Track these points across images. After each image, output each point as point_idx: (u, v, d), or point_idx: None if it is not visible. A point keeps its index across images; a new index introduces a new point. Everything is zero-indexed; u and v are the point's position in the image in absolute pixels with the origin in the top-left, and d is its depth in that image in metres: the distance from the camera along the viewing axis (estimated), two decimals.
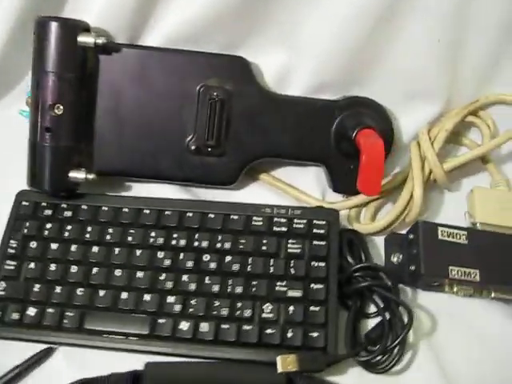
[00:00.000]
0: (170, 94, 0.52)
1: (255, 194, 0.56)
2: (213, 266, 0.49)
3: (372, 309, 0.50)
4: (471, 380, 0.48)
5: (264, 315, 0.47)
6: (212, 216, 0.51)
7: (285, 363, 0.45)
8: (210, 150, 0.53)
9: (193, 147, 0.52)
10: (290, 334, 0.46)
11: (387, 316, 0.48)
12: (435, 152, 0.53)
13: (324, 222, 0.51)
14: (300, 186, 0.56)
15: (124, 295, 0.48)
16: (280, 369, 0.45)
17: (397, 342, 0.47)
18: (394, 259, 0.52)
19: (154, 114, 0.53)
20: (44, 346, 0.48)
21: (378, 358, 0.47)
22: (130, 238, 0.50)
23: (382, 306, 0.49)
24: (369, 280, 0.49)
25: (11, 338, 0.48)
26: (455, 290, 0.50)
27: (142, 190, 0.56)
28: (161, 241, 0.50)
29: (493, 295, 0.51)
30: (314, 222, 0.51)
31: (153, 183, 0.55)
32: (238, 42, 0.54)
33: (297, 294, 0.48)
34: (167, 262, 0.49)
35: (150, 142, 0.53)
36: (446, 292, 0.50)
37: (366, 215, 0.54)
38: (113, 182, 0.56)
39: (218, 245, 0.50)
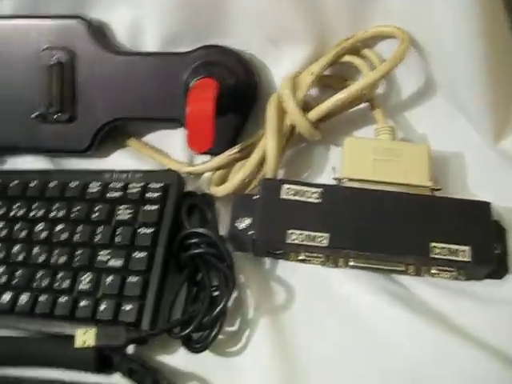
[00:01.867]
0: (15, 61, 0.50)
1: (122, 161, 0.52)
2: (43, 235, 0.46)
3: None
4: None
5: (81, 287, 0.44)
6: (52, 185, 0.48)
7: (82, 338, 0.41)
8: (56, 116, 0.50)
9: (36, 115, 0.50)
10: (102, 307, 0.43)
11: (213, 288, 0.43)
12: (296, 99, 0.45)
13: (160, 186, 0.46)
14: (169, 149, 0.52)
15: None
16: (76, 343, 0.41)
17: (212, 317, 0.41)
18: (241, 224, 0.45)
19: (1, 85, 0.51)
20: None
21: (198, 334, 0.42)
22: None
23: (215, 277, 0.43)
24: (202, 247, 0.44)
25: None
26: (302, 257, 0.43)
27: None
28: (1, 212, 0.49)
29: (352, 263, 0.43)
30: (150, 185, 0.46)
31: (19, 156, 0.54)
32: (85, 3, 0.50)
33: (117, 263, 0.44)
34: (2, 234, 0.47)
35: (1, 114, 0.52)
36: (293, 260, 0.43)
37: (231, 178, 0.48)
38: None
39: (53, 214, 0.47)
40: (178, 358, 0.42)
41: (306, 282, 0.44)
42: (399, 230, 0.42)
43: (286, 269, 0.44)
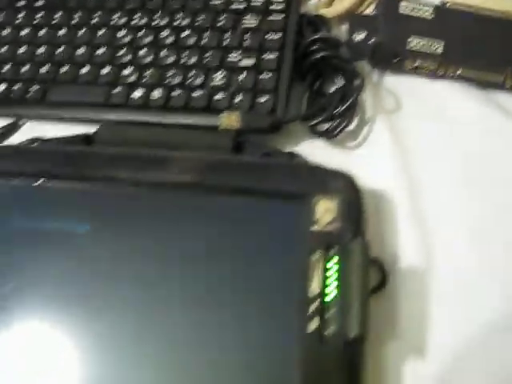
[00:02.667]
0: None
1: None
2: (169, 40, 0.49)
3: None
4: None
5: (214, 83, 0.47)
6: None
7: (228, 120, 0.45)
8: None
9: None
10: (238, 99, 0.46)
11: (340, 85, 0.48)
12: None
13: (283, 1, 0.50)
14: None
15: (84, 69, 0.50)
16: (223, 125, 0.45)
17: (344, 107, 0.46)
18: (357, 38, 0.50)
19: None
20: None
21: (328, 124, 0.47)
22: (94, 20, 0.52)
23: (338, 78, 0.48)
24: (326, 51, 0.48)
25: None
26: (417, 64, 0.48)
27: None
28: (122, 21, 0.51)
29: (460, 71, 0.48)
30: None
31: None
32: None
33: (249, 62, 0.47)
34: (127, 39, 0.50)
35: None
36: (408, 69, 0.49)
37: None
38: None
39: (176, 22, 0.50)
40: (304, 146, 0.47)
41: (414, 92, 0.49)
42: (502, 46, 0.48)
43: (397, 80, 0.49)
